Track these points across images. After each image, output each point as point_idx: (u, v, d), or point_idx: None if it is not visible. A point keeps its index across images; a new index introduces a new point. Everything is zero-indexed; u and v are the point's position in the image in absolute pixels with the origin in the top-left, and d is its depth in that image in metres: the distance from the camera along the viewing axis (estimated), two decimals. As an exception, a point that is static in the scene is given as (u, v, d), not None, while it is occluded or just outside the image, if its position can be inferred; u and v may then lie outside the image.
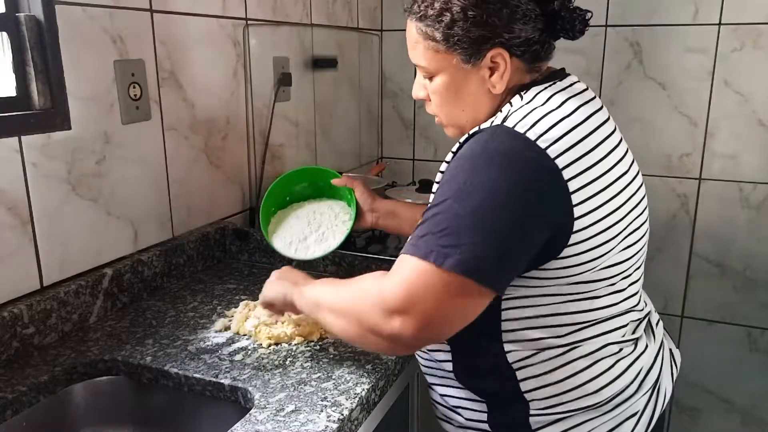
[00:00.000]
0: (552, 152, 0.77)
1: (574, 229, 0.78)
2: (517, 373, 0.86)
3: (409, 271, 0.76)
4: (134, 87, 1.18)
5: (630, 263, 0.87)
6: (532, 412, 0.87)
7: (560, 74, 0.90)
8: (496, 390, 0.90)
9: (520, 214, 0.76)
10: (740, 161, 1.85)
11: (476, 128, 0.84)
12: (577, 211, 0.78)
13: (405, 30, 0.95)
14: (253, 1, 1.49)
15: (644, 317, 0.95)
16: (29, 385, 0.91)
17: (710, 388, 2.03)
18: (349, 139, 2.08)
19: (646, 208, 0.91)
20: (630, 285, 0.89)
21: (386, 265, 1.30)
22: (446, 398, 0.97)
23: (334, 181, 1.28)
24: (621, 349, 0.88)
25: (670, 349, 1.02)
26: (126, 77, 1.15)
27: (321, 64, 1.81)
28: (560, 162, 0.77)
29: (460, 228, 0.75)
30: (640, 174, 0.91)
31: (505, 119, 0.81)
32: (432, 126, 2.18)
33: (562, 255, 0.79)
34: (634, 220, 0.86)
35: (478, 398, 0.92)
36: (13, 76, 1.00)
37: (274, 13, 1.58)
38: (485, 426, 0.92)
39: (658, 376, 0.94)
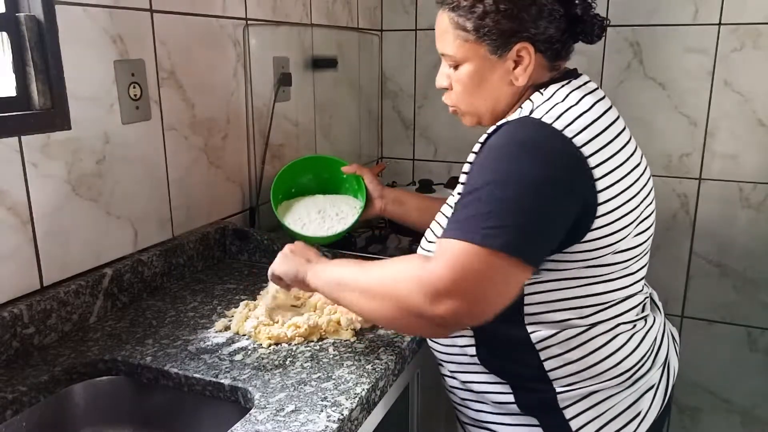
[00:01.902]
0: (577, 142, 0.82)
1: (598, 213, 0.84)
2: (540, 353, 0.90)
3: (456, 254, 0.79)
4: (134, 87, 1.18)
5: (641, 249, 0.93)
6: (558, 390, 0.91)
7: (574, 73, 0.95)
8: (520, 371, 0.93)
9: (554, 198, 0.81)
10: (740, 161, 1.85)
11: (504, 120, 0.88)
12: (601, 197, 0.83)
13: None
14: (253, 1, 1.49)
15: (649, 296, 1.03)
16: (29, 385, 0.91)
17: (710, 388, 2.03)
18: (349, 139, 2.08)
19: (654, 198, 0.97)
20: (639, 269, 0.95)
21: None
22: (470, 384, 0.99)
23: (344, 169, 1.33)
24: (634, 326, 0.94)
25: (670, 329, 1.08)
26: (126, 77, 1.15)
27: (321, 64, 1.81)
28: (585, 151, 0.83)
29: (503, 211, 0.79)
30: (648, 167, 0.97)
31: (531, 112, 0.86)
32: (432, 126, 2.18)
33: (585, 239, 0.85)
34: (646, 208, 0.92)
35: (503, 380, 0.95)
36: (13, 76, 1.00)
37: (274, 13, 1.58)
38: (514, 408, 0.95)
39: (667, 351, 1.01)
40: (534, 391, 0.93)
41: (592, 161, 0.83)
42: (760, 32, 1.75)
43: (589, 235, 0.84)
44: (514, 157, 0.82)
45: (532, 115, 0.85)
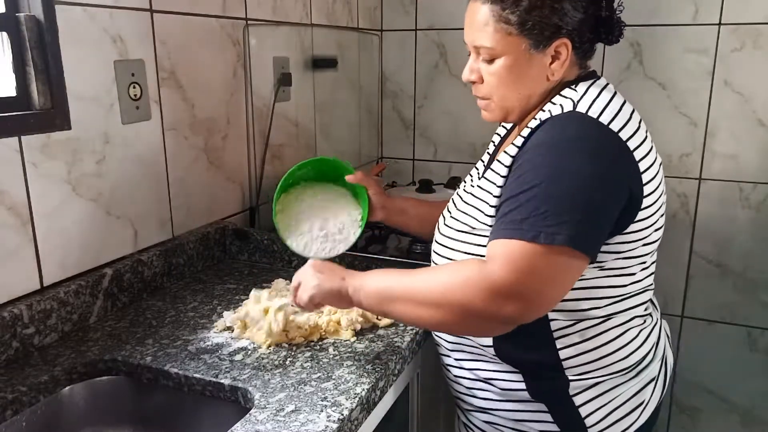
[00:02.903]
0: (623, 135, 0.85)
1: (642, 205, 0.87)
2: (557, 342, 0.92)
3: (518, 254, 0.81)
4: (134, 87, 1.18)
5: (657, 245, 0.95)
6: (570, 378, 0.93)
7: (595, 74, 0.98)
8: (534, 360, 0.94)
9: (609, 190, 0.83)
10: (740, 161, 1.85)
11: (547, 115, 0.89)
12: (645, 189, 0.86)
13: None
14: (253, 1, 1.49)
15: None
16: (29, 385, 0.91)
17: (710, 388, 2.03)
18: (349, 139, 2.08)
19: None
20: (651, 263, 0.97)
21: (386, 265, 1.31)
22: (478, 372, 1.00)
23: (348, 178, 1.29)
24: (644, 320, 0.97)
25: (664, 325, 1.11)
26: (126, 77, 1.15)
27: (321, 64, 1.81)
28: (631, 144, 0.85)
29: (559, 208, 0.80)
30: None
31: (575, 106, 0.88)
32: (432, 126, 2.18)
33: (627, 230, 0.87)
34: (664, 204, 0.95)
35: (515, 369, 0.96)
36: (13, 76, 1.00)
37: (274, 13, 1.58)
38: (524, 395, 0.96)
39: (664, 346, 1.04)
40: (546, 379, 0.94)
41: (637, 154, 0.86)
42: (760, 32, 1.75)
43: (631, 227, 0.87)
44: (567, 153, 0.83)
45: (577, 110, 0.87)
